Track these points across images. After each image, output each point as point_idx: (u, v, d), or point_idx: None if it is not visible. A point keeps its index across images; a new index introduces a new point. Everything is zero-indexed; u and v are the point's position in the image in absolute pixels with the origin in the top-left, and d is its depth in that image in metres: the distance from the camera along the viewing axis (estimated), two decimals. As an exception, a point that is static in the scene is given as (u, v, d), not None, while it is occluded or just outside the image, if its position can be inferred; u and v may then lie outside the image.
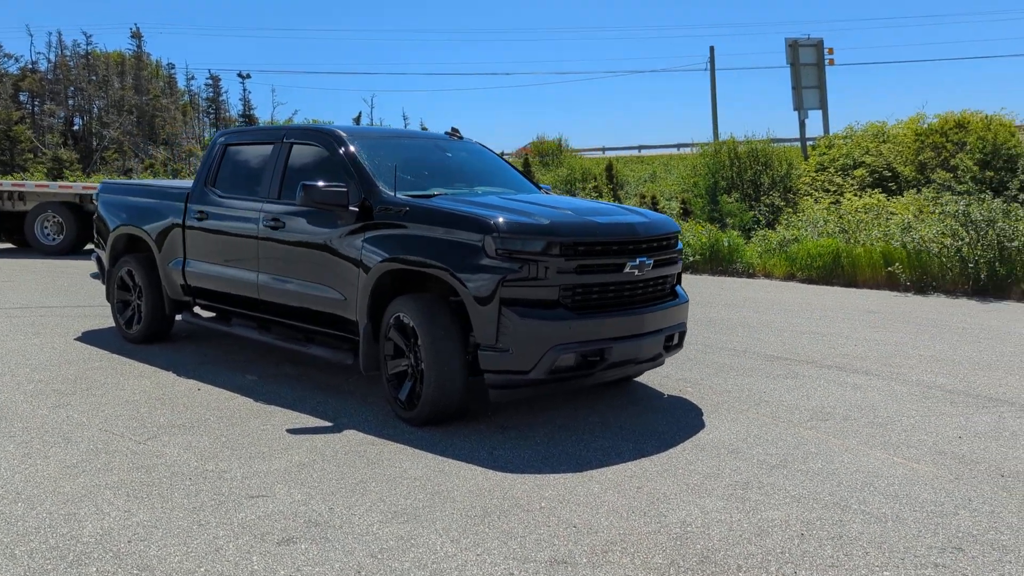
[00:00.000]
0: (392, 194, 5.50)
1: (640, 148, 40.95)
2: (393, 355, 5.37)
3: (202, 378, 6.32)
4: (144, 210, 7.37)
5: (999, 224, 11.81)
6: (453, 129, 7.03)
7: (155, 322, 7.34)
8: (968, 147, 20.00)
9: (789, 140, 29.52)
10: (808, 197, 20.23)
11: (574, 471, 4.41)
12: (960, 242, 11.92)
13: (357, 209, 5.52)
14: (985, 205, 12.15)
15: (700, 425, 5.27)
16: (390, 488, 4.13)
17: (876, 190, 19.61)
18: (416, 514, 3.81)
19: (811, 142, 25.86)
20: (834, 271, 13.17)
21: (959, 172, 19.27)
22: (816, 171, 21.95)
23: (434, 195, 5.65)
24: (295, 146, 6.25)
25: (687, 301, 5.75)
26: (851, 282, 12.89)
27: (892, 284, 12.42)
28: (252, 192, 6.43)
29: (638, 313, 5.20)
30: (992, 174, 18.94)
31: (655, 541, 3.55)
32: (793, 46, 26.88)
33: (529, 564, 3.33)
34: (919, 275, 12.21)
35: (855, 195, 19.41)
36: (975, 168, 19.08)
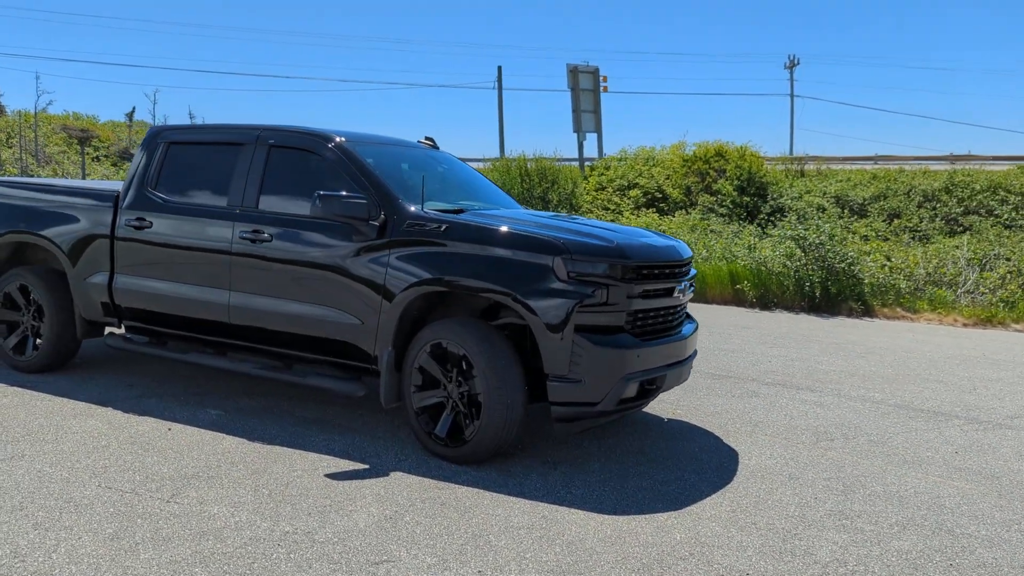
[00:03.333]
0: (419, 208, 4.98)
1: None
2: (422, 386, 4.85)
3: (159, 415, 5.34)
4: (45, 214, 6.10)
5: (828, 247, 13.08)
6: (428, 138, 6.53)
7: (61, 348, 6.10)
8: (727, 174, 22.24)
9: (572, 160, 31.27)
10: (591, 214, 21.40)
11: (673, 508, 4.21)
12: (797, 263, 13.06)
13: (378, 224, 4.93)
14: (816, 230, 13.40)
15: (729, 449, 5.27)
16: (516, 542, 3.69)
17: (650, 210, 21.27)
18: (579, 572, 3.42)
19: (589, 163, 27.38)
20: (688, 288, 13.88)
21: (720, 196, 21.38)
22: (596, 190, 23.29)
23: (459, 211, 5.19)
24: (276, 149, 5.47)
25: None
26: (702, 298, 13.67)
27: (739, 300, 13.33)
28: (215, 199, 5.54)
29: (681, 338, 5.11)
30: (748, 199, 21.19)
31: (838, 581, 3.45)
32: (574, 72, 28.31)
33: (752, 620, 3.10)
34: (762, 292, 13.21)
35: (632, 214, 20.83)
36: (734, 193, 21.25)
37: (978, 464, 5.17)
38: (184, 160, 5.85)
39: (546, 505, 4.15)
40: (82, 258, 5.92)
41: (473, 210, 5.35)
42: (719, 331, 10.25)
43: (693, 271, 5.58)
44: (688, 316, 5.66)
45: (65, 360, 6.27)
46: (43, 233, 6.06)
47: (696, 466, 4.91)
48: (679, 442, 5.40)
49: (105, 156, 25.19)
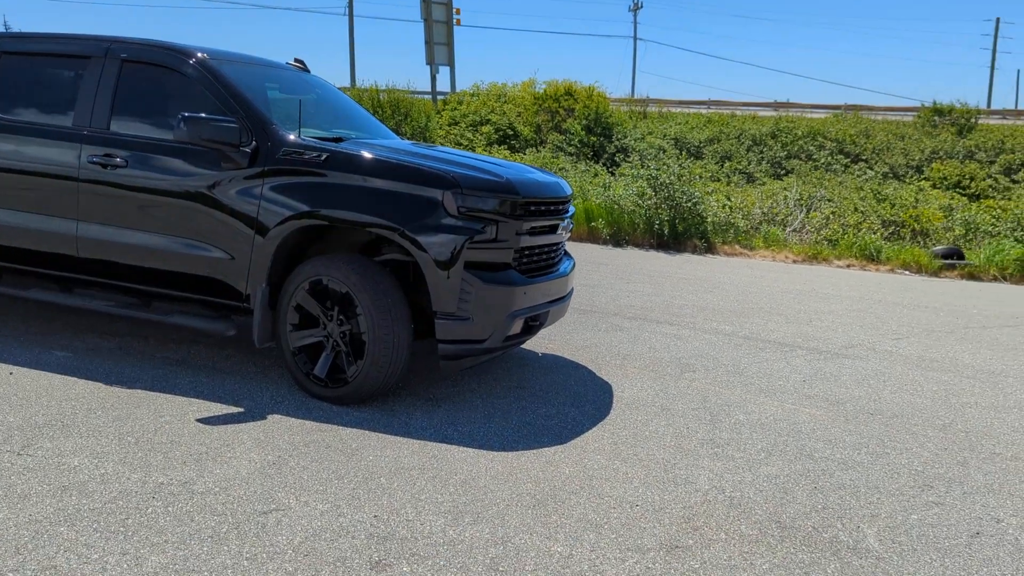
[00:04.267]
0: (296, 135, 4.67)
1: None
2: (299, 325, 4.63)
3: (-6, 358, 4.81)
4: None
5: (676, 187, 13.59)
6: (298, 60, 6.10)
7: None
8: (576, 113, 22.69)
9: (425, 93, 30.90)
10: (446, 151, 21.29)
11: (558, 443, 4.28)
12: (648, 202, 13.50)
13: (249, 151, 4.59)
14: (667, 171, 13.86)
15: (603, 382, 5.41)
16: (409, 484, 3.62)
17: (502, 147, 21.45)
18: (477, 512, 3.41)
19: (442, 96, 27.05)
20: (543, 223, 14.05)
21: (569, 135, 21.83)
22: (449, 125, 23.14)
23: (338, 139, 4.91)
24: (130, 64, 4.93)
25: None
26: (557, 234, 13.88)
27: (594, 238, 13.66)
28: (57, 118, 4.96)
29: (562, 275, 5.14)
30: (595, 139, 21.77)
31: (720, 511, 3.63)
32: (427, 2, 27.67)
33: (649, 553, 3.21)
34: (615, 230, 13.59)
35: (484, 151, 20.94)
36: (582, 132, 21.77)
37: (824, 391, 5.58)
38: (21, 74, 5.18)
39: (434, 444, 4.10)
40: None
41: (352, 139, 5.09)
42: (580, 267, 10.40)
43: (572, 208, 5.60)
44: (567, 253, 5.69)
45: None
46: None
47: (574, 400, 5.00)
48: (556, 375, 5.48)
49: None
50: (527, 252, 4.76)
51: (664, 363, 6.02)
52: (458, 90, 27.60)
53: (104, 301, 4.99)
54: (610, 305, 8.03)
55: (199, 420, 4.13)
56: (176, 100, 4.82)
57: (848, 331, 7.59)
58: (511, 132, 22.60)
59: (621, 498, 3.65)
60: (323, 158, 4.54)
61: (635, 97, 32.18)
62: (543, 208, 4.82)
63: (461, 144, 21.60)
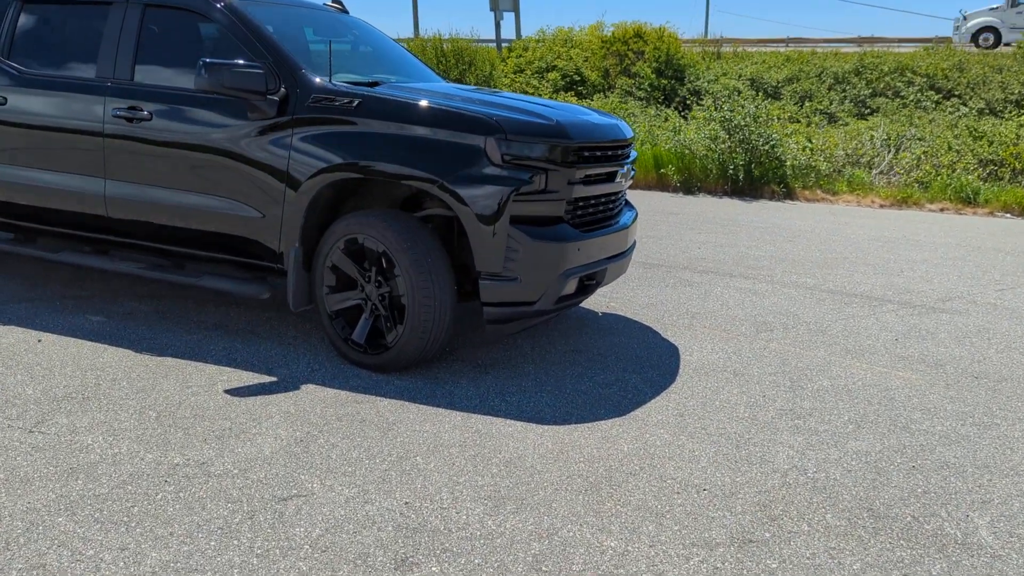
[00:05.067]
0: (327, 81, 4.27)
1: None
2: (336, 287, 4.29)
3: (28, 324, 4.63)
4: None
5: (752, 129, 12.77)
6: (336, 0, 5.69)
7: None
8: (645, 56, 21.66)
9: (489, 41, 30.29)
10: (511, 97, 20.66)
11: (617, 415, 3.85)
12: (721, 146, 12.74)
13: (277, 99, 4.21)
14: (741, 112, 13.04)
15: (669, 345, 4.95)
16: (447, 464, 3.26)
17: (569, 93, 20.66)
18: (521, 499, 3.03)
19: (506, 44, 26.27)
20: (610, 172, 13.46)
21: (638, 79, 20.86)
22: (514, 72, 22.43)
23: (374, 83, 4.50)
24: (152, 9, 4.60)
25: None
26: (626, 182, 13.28)
27: (663, 185, 13.00)
28: (82, 70, 4.68)
29: (622, 228, 4.66)
30: (666, 82, 20.78)
31: (802, 496, 3.16)
32: (490, -53, 26.73)
33: (717, 549, 2.78)
34: (686, 177, 12.90)
35: (551, 97, 20.21)
36: (652, 76, 20.77)
37: (920, 351, 5.00)
38: (43, 23, 4.92)
39: (479, 417, 3.73)
40: (-76, 141, 5.00)
41: (390, 83, 4.67)
42: (645, 217, 9.87)
43: (634, 153, 5.08)
44: (628, 203, 5.20)
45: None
46: None
47: (636, 365, 4.56)
48: (616, 338, 5.03)
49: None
50: (581, 203, 4.29)
51: (738, 322, 5.50)
52: (523, 37, 26.83)
53: (135, 263, 4.74)
54: (679, 258, 7.49)
55: (227, 391, 3.84)
56: (202, 46, 4.49)
57: (945, 282, 6.89)
58: (578, 78, 21.83)
59: (686, 481, 3.21)
60: (355, 104, 4.14)
61: (708, 38, 30.81)
62: (599, 154, 4.33)
63: (527, 91, 20.97)
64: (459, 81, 20.70)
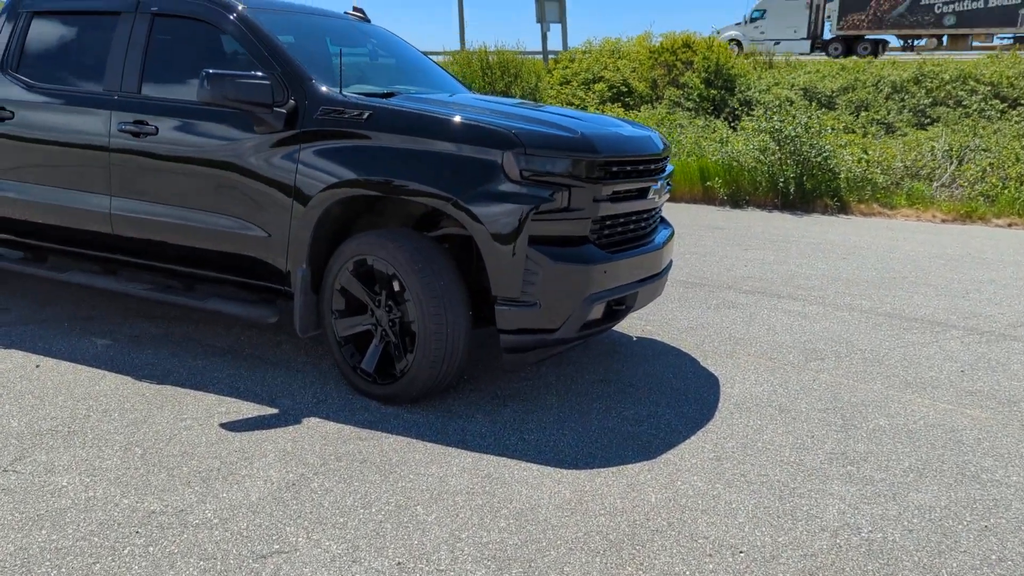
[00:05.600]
0: (337, 92, 4.00)
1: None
2: (345, 311, 4.00)
3: (30, 347, 4.44)
4: None
5: (804, 139, 12.24)
6: (357, 9, 5.45)
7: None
8: (694, 66, 21.12)
9: (535, 52, 30.20)
10: (555, 109, 20.33)
11: (645, 457, 3.48)
12: (771, 157, 12.24)
13: (285, 112, 3.95)
14: (792, 122, 12.53)
15: (708, 375, 4.55)
16: (450, 515, 2.93)
17: (616, 104, 20.23)
18: (529, 560, 2.68)
19: (553, 55, 25.98)
20: (654, 185, 13.04)
21: (687, 89, 20.32)
22: (560, 84, 22.08)
23: (389, 94, 4.22)
24: (161, 19, 4.39)
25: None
26: (670, 196, 12.85)
27: (709, 199, 12.55)
28: (89, 83, 4.49)
29: (655, 248, 4.29)
30: (715, 92, 20.23)
31: (855, 561, 2.75)
32: (537, -44, 26.57)
33: (753, 624, 2.39)
34: (734, 190, 12.42)
35: (597, 109, 19.82)
36: (701, 86, 20.22)
37: (990, 386, 4.51)
38: (52, 35, 4.76)
39: (491, 458, 3.39)
40: (-64, 157, 4.87)
41: (406, 95, 4.38)
42: (689, 232, 9.47)
43: (670, 167, 4.71)
44: (663, 220, 4.83)
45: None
46: None
47: (671, 397, 4.18)
48: (650, 366, 4.65)
49: None
50: (609, 222, 3.93)
51: (785, 349, 5.08)
52: (570, 48, 26.54)
53: (142, 284, 4.52)
54: (723, 276, 7.06)
55: (223, 424, 3.57)
56: (210, 56, 4.25)
57: (1016, 305, 6.35)
58: (625, 89, 21.43)
59: (720, 540, 2.83)
60: (365, 116, 3.85)
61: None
62: (629, 168, 3.97)
63: (572, 104, 20.62)
64: (504, 93, 20.47)
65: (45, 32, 4.74)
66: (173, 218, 4.27)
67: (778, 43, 26.29)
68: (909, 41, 25.19)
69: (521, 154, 3.59)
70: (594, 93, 21.38)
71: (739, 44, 28.39)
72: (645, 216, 4.27)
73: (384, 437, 3.54)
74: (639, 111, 19.63)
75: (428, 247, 3.78)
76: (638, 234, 4.23)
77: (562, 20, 27.52)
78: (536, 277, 3.63)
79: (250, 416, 3.68)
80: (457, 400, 4.00)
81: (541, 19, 26.56)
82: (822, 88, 20.92)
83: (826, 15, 27.17)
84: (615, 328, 5.32)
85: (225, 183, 4.11)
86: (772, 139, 12.26)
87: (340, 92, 3.99)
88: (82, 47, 4.63)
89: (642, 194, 4.11)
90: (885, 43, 27.64)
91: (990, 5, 23.12)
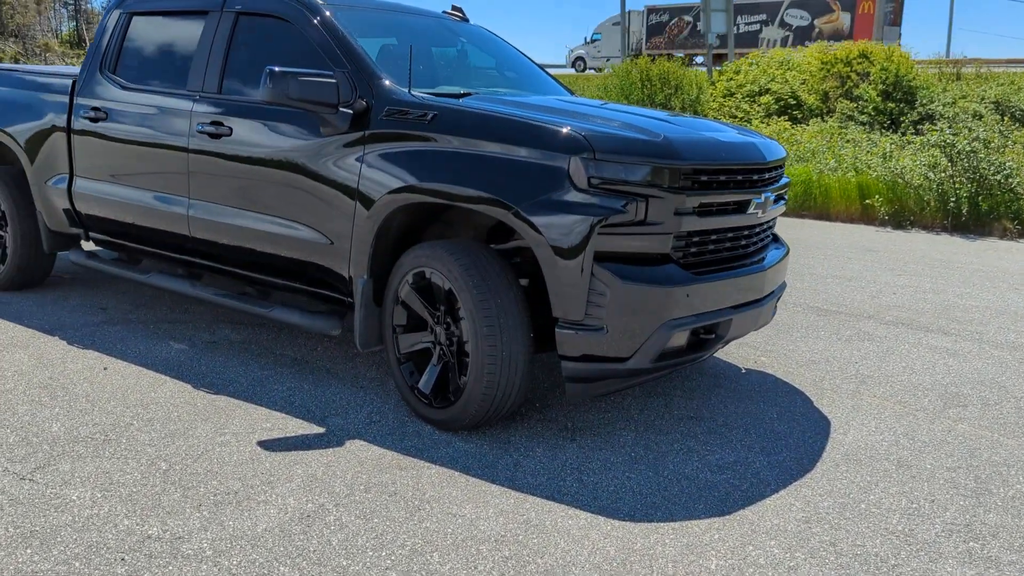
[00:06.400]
0: (405, 91, 3.75)
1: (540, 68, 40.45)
2: (407, 327, 3.72)
3: (107, 349, 4.46)
4: (7, 104, 5.24)
5: (982, 155, 10.96)
6: (455, 8, 5.22)
7: (26, 263, 5.33)
8: (871, 78, 19.49)
9: (698, 63, 29.56)
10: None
11: (718, 513, 2.96)
12: (941, 175, 11.03)
13: (351, 112, 3.73)
14: (968, 136, 11.25)
15: (820, 417, 3.93)
16: (468, 568, 2.55)
17: (782, 117, 18.96)
18: (542, 629, 2.26)
19: (718, 67, 24.97)
20: (806, 202, 12.13)
21: (861, 102, 18.76)
22: (724, 96, 21.05)
23: (464, 95, 3.93)
24: (244, 18, 4.32)
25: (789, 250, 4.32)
26: (823, 215, 11.89)
27: (867, 218, 11.48)
28: (176, 83, 4.49)
29: (759, 270, 3.74)
30: (893, 105, 18.56)
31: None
32: (699, -30, 26.00)
33: None
34: (896, 209, 11.30)
35: (761, 122, 18.68)
36: (877, 99, 18.60)
37: None
38: (148, 35, 4.81)
39: (538, 501, 2.99)
40: (40, 156, 5.04)
41: (482, 95, 4.07)
42: (837, 254, 8.61)
43: (785, 178, 4.13)
44: (776, 238, 4.26)
45: (34, 277, 5.50)
46: (6, 128, 5.20)
47: (767, 442, 3.61)
48: (753, 404, 4.08)
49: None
50: (697, 239, 3.44)
51: (921, 391, 4.35)
52: (735, 59, 25.54)
53: (216, 290, 4.45)
54: (864, 304, 6.27)
55: (261, 443, 3.37)
56: (287, 55, 4.11)
57: None
58: (793, 101, 20.19)
59: (785, 630, 2.30)
60: (430, 117, 3.57)
61: (948, 58, 27.80)
62: (724, 178, 3.47)
63: (735, 117, 19.69)
64: (665, 105, 19.86)
65: (140, 33, 4.80)
66: (240, 221, 4.16)
67: (609, 60, 33.10)
68: (691, 57, 33.21)
69: (590, 159, 3.18)
70: (759, 106, 20.30)
71: (584, 61, 36.83)
72: (746, 233, 3.73)
73: (425, 467, 3.22)
74: (807, 125, 18.42)
75: (485, 262, 3.43)
76: (737, 253, 3.70)
77: (729, 31, 26.56)
78: (603, 299, 3.20)
79: (292, 435, 3.47)
80: (520, 430, 3.62)
81: (707, 30, 25.73)
82: (1017, 101, 18.89)
83: (640, 37, 34.83)
84: (722, 357, 4.77)
85: (290, 186, 3.95)
86: (943, 154, 11.05)
87: (409, 92, 3.74)
88: (172, 47, 4.65)
89: (741, 208, 3.58)
90: (683, 59, 32.41)
91: (740, 31, 30.49)
